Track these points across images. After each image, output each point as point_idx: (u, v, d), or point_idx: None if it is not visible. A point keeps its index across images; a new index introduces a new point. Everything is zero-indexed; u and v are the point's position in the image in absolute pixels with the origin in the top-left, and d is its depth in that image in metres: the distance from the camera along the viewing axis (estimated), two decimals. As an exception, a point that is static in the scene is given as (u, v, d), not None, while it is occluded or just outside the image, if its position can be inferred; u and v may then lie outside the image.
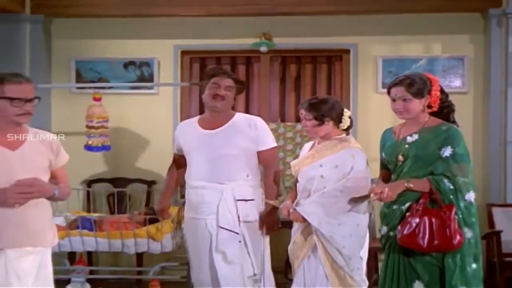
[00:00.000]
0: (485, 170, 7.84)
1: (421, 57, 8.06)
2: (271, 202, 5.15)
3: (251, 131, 5.19)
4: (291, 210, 4.77)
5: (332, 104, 4.83)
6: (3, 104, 4.04)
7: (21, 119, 4.09)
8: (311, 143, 5.02)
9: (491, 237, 7.20)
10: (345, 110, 4.87)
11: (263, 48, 8.04)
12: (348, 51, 8.21)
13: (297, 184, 4.90)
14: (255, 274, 5.11)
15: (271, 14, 7.99)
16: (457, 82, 7.99)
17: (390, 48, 8.14)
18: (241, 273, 5.06)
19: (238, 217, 5.06)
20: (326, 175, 4.68)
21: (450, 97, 5.48)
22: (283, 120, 8.31)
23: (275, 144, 5.31)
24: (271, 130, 7.68)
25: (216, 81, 5.17)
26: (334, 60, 8.43)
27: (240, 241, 5.05)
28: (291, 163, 4.99)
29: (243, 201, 5.10)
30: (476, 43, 7.99)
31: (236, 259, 5.04)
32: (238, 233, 5.04)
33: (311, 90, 8.39)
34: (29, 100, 4.08)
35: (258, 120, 5.33)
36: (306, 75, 8.46)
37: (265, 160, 5.26)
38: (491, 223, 7.39)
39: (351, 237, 4.65)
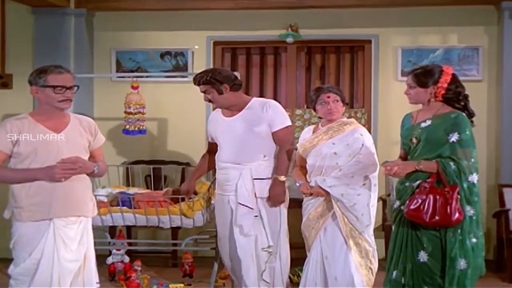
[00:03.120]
0: (497, 153, 8.15)
1: (438, 47, 8.31)
2: (278, 177, 5.42)
3: (265, 114, 5.47)
4: (309, 187, 5.18)
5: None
6: (47, 92, 4.45)
7: (63, 105, 4.49)
8: (311, 127, 5.43)
9: (501, 215, 7.56)
10: None
11: (290, 39, 8.33)
12: (370, 42, 8.48)
13: (307, 164, 5.30)
14: (269, 246, 5.44)
15: (297, 7, 8.26)
16: (472, 71, 8.26)
17: (409, 39, 8.41)
18: (255, 244, 5.44)
19: (255, 194, 5.44)
20: (339, 152, 5.09)
21: (466, 85, 5.69)
22: (308, 107, 8.29)
23: (288, 124, 5.52)
24: (297, 115, 8.17)
25: (200, 90, 5.58)
26: (357, 50, 8.69)
27: (256, 216, 5.43)
28: (298, 145, 5.38)
29: (260, 180, 5.46)
30: (490, 34, 8.24)
31: (251, 232, 5.42)
32: (253, 208, 5.42)
33: (335, 78, 8.67)
34: (69, 88, 4.48)
35: (271, 103, 5.57)
36: (330, 64, 8.73)
37: (279, 139, 5.50)
38: (502, 202, 7.72)
39: (368, 206, 5.07)
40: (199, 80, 5.52)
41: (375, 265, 5.15)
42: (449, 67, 5.09)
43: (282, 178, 5.45)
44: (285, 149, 5.48)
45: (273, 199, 5.48)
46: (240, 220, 5.44)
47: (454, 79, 4.98)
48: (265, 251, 5.46)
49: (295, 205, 5.86)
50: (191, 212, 6.84)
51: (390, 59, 8.43)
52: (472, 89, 8.01)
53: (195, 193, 6.52)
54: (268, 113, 5.48)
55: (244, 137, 5.47)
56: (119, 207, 6.93)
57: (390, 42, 8.42)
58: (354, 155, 5.07)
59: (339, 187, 5.03)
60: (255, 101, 5.64)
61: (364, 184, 5.08)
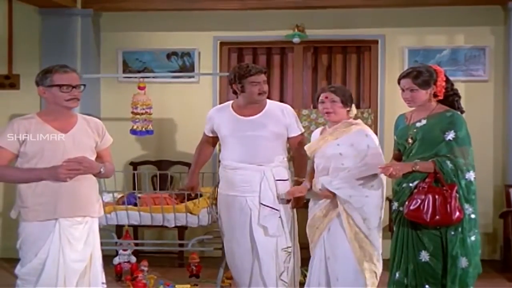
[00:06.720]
0: (504, 154, 8.12)
1: (445, 47, 8.30)
2: (301, 179, 5.53)
3: (284, 118, 5.57)
4: (314, 188, 5.21)
5: (349, 92, 5.31)
6: (54, 92, 4.46)
7: (70, 103, 4.50)
8: (320, 129, 5.41)
9: (507, 215, 7.56)
10: None
11: (296, 39, 8.33)
12: (376, 42, 8.47)
13: (314, 165, 5.30)
14: (288, 246, 5.49)
15: (304, 7, 8.27)
16: (479, 71, 8.24)
17: (416, 39, 8.40)
18: (276, 245, 5.45)
19: (278, 195, 5.48)
20: (344, 153, 5.06)
21: (473, 85, 5.70)
22: (315, 107, 8.19)
23: (303, 130, 5.72)
24: (304, 115, 8.20)
25: (255, 79, 5.48)
26: (363, 50, 8.68)
27: (279, 217, 5.46)
28: (305, 147, 5.38)
29: (281, 181, 5.50)
30: (497, 34, 8.23)
31: (276, 233, 5.43)
32: (278, 210, 5.45)
33: (342, 78, 8.66)
34: (76, 87, 4.49)
35: (289, 108, 5.70)
36: (336, 64, 8.72)
37: (296, 144, 5.64)
38: (509, 203, 7.70)
39: (375, 208, 5.05)
40: (264, 69, 5.67)
41: (379, 269, 5.13)
42: (437, 66, 5.12)
43: (303, 180, 5.52)
44: (302, 153, 5.56)
45: (296, 201, 5.55)
46: (264, 221, 5.44)
47: (446, 77, 5.02)
48: (285, 251, 5.49)
49: (300, 206, 5.84)
50: (197, 209, 6.88)
51: (397, 59, 8.41)
52: (478, 89, 8.20)
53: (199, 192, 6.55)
54: (289, 118, 5.61)
55: (264, 137, 5.49)
56: (124, 206, 6.95)
57: (397, 42, 8.41)
58: (361, 156, 5.04)
59: (347, 189, 5.02)
60: (272, 103, 5.74)
61: (372, 186, 5.04)
